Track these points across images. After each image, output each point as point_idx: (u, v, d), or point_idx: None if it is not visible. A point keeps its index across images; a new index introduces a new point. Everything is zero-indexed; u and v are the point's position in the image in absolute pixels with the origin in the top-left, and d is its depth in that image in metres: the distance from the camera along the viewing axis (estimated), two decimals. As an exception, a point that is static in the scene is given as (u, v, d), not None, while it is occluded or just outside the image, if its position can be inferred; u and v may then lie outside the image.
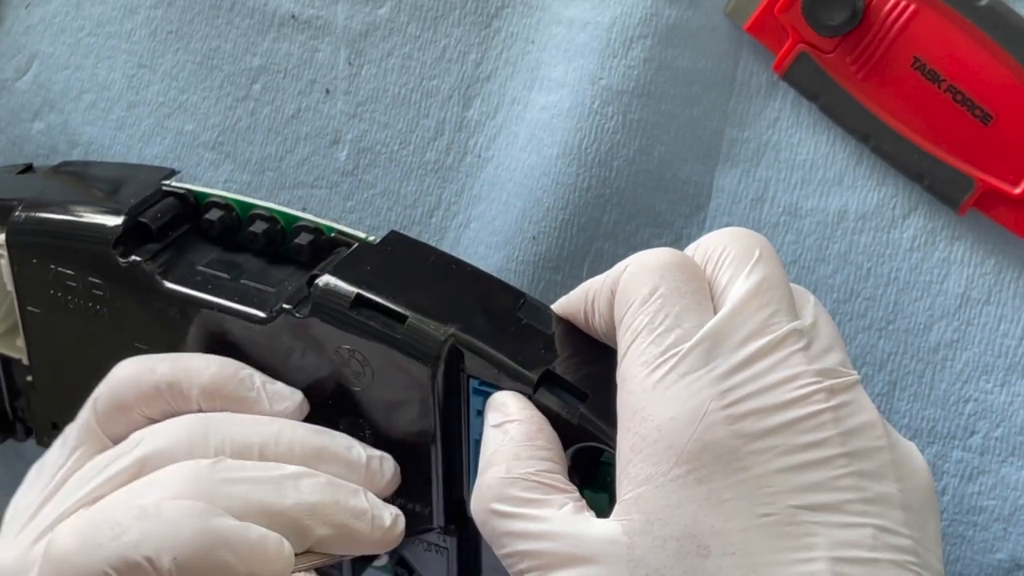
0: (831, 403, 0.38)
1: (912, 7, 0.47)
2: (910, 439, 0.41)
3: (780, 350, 0.39)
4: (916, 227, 0.49)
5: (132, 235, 0.48)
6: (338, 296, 0.44)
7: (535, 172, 0.51)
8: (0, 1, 0.57)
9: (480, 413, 0.43)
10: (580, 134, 0.50)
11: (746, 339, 0.39)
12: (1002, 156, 0.47)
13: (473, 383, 0.43)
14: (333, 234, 0.48)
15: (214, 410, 0.45)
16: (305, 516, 0.43)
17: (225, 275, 0.47)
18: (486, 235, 0.52)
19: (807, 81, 0.48)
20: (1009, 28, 0.46)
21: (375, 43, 0.53)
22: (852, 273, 0.50)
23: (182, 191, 0.49)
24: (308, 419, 0.46)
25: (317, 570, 0.45)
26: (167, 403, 0.45)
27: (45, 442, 0.52)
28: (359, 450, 0.45)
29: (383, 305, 0.43)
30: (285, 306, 0.45)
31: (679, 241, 0.51)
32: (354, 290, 0.44)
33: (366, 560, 0.47)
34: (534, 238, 0.51)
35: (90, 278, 0.48)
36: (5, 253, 0.50)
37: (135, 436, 0.45)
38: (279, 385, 0.46)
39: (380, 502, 0.44)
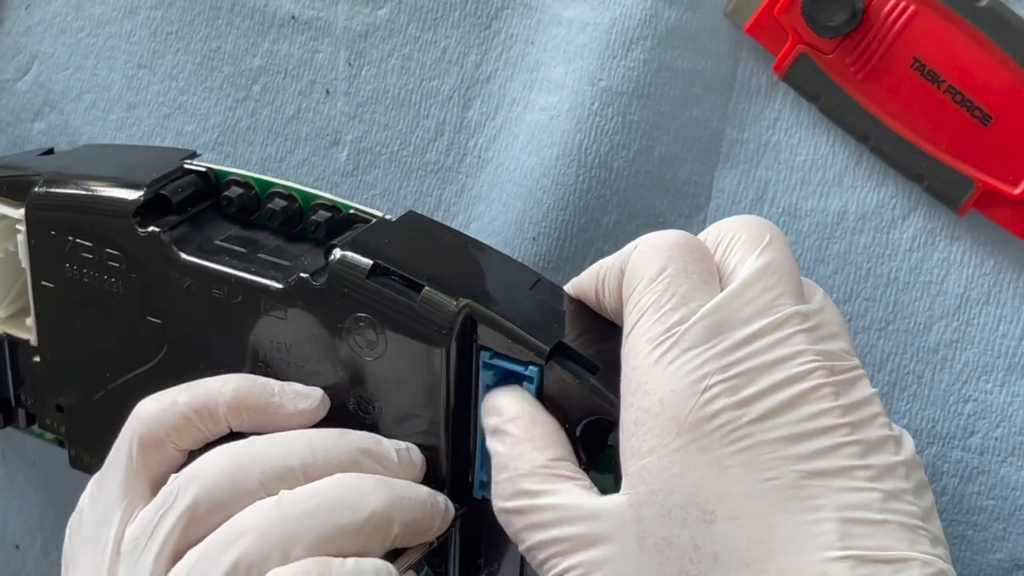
0: (831, 380, 0.38)
1: (912, 8, 0.47)
2: (910, 439, 0.41)
3: (783, 329, 0.39)
4: (916, 227, 0.49)
5: (152, 208, 0.48)
6: (355, 265, 0.44)
7: (535, 173, 0.51)
8: (0, 2, 0.57)
9: (490, 388, 0.44)
10: (580, 135, 0.50)
11: (750, 318, 0.39)
12: (1002, 157, 0.47)
13: (484, 355, 0.44)
14: (351, 210, 0.48)
15: (242, 424, 0.45)
16: (382, 523, 0.43)
17: (242, 249, 0.48)
18: (486, 236, 0.52)
19: (807, 82, 0.48)
20: (1009, 29, 0.46)
21: (375, 44, 0.53)
22: (852, 273, 0.50)
23: (203, 169, 0.50)
24: None
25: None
26: (198, 430, 0.45)
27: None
28: (387, 444, 0.45)
29: (400, 274, 0.44)
30: (302, 275, 0.45)
31: (679, 241, 0.51)
32: (371, 260, 0.44)
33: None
34: (534, 239, 0.51)
35: (108, 249, 0.48)
36: (23, 228, 0.50)
37: (170, 486, 0.44)
38: (297, 386, 0.46)
39: (428, 488, 0.45)
